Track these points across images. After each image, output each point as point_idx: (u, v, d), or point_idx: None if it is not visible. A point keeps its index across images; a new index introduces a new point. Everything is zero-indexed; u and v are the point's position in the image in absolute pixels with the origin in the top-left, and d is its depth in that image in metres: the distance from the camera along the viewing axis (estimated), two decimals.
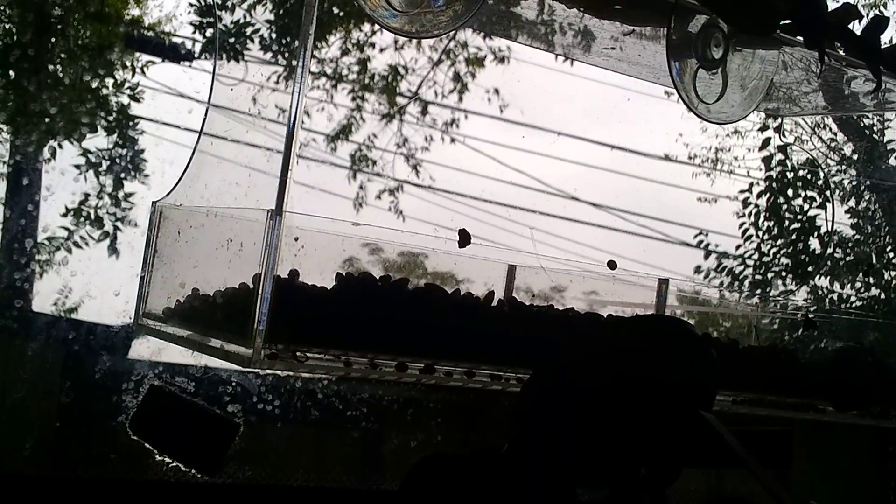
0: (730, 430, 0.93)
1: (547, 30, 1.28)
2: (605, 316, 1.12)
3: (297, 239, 0.95)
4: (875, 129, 2.93)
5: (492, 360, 1.05)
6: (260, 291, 0.91)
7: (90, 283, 2.38)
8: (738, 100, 1.14)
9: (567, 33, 1.26)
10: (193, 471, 0.98)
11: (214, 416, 0.99)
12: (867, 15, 1.20)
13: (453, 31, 1.01)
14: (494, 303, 1.07)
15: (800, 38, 1.13)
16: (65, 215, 2.52)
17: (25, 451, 1.78)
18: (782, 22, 1.11)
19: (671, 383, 0.94)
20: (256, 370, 0.93)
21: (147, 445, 0.98)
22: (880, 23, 1.16)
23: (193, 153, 1.11)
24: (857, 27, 1.17)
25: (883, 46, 1.18)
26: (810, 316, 1.37)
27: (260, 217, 0.93)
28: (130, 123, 2.64)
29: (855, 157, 2.96)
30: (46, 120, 2.48)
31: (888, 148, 2.95)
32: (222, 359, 0.97)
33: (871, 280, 2.96)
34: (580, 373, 0.96)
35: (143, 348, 2.10)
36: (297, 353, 0.94)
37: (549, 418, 0.96)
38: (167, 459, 0.99)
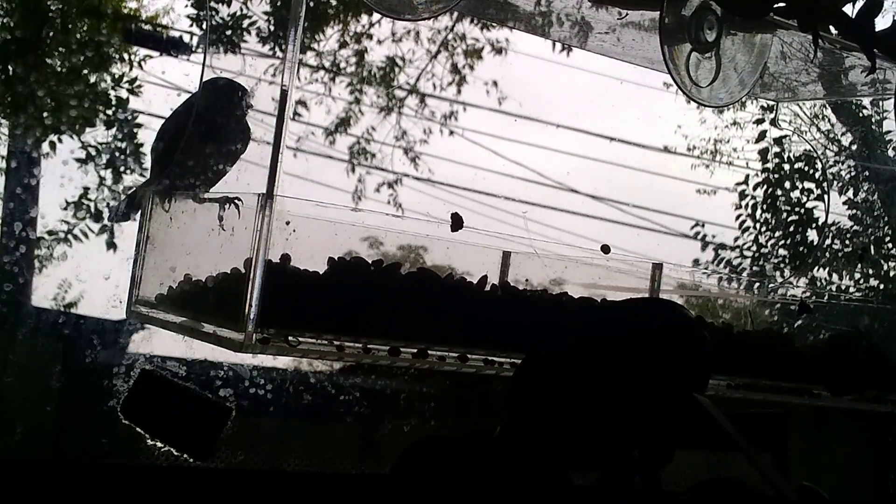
0: (723, 413, 0.93)
1: (544, 20, 1.27)
2: (598, 300, 1.12)
3: (288, 223, 0.95)
4: (873, 120, 2.92)
5: (485, 344, 1.04)
6: (251, 276, 0.91)
7: (86, 272, 2.38)
8: (733, 83, 1.14)
9: (564, 24, 1.26)
10: (185, 455, 0.98)
11: (206, 400, 0.98)
12: None
13: (444, 14, 1.01)
14: (488, 287, 1.07)
15: (793, 22, 1.12)
16: (65, 208, 2.52)
17: (17, 435, 1.78)
18: (776, 5, 1.11)
19: (664, 365, 0.94)
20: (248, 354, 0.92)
21: (139, 430, 0.98)
22: (874, 6, 1.15)
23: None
24: (851, 10, 1.16)
25: (877, 30, 1.17)
26: (810, 305, 1.37)
27: (251, 202, 0.93)
28: (129, 118, 2.64)
29: (853, 147, 2.95)
30: (45, 115, 2.47)
31: (886, 139, 2.94)
32: (215, 344, 0.97)
33: (871, 271, 2.95)
34: (573, 356, 0.96)
35: (138, 334, 2.10)
36: (290, 338, 0.94)
37: (541, 402, 0.96)
38: (159, 444, 0.98)
